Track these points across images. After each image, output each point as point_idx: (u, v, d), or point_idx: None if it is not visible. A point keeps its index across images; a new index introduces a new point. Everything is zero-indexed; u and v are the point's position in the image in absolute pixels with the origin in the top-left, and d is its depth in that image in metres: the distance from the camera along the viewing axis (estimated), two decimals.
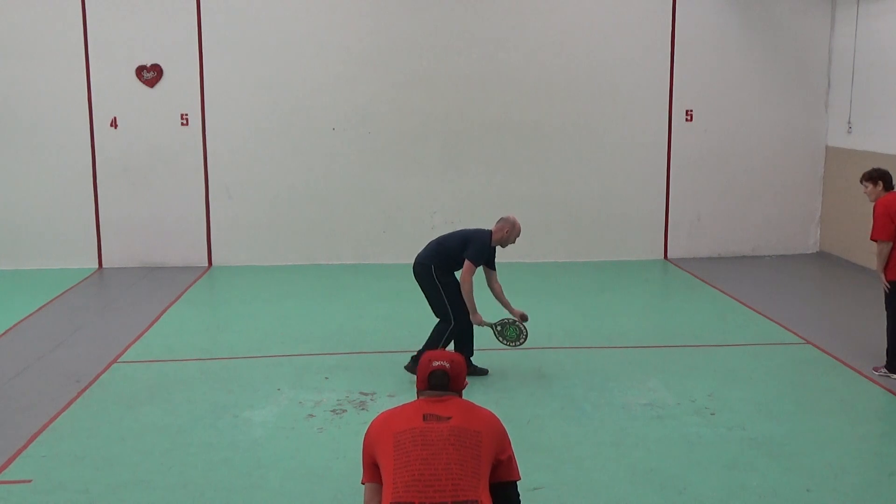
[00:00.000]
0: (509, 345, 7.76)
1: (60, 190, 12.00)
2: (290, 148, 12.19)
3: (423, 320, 9.43)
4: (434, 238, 7.92)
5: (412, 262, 7.76)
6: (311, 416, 6.74)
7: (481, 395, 7.17)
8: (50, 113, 11.85)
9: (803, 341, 8.47)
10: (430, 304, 7.64)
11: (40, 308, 10.06)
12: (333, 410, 6.86)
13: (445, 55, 12.15)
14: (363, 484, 3.72)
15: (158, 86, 11.97)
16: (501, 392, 7.26)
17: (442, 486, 3.35)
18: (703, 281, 11.25)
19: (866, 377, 7.53)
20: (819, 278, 11.60)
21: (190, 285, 11.18)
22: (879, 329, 8.80)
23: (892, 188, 7.43)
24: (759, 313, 9.53)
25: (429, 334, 7.68)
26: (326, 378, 7.62)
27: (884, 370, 7.51)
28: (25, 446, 6.22)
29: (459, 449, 3.43)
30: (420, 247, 8.08)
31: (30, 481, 5.68)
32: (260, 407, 6.94)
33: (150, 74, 11.90)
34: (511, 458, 3.66)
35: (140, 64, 11.88)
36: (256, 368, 7.93)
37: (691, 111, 12.56)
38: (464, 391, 3.94)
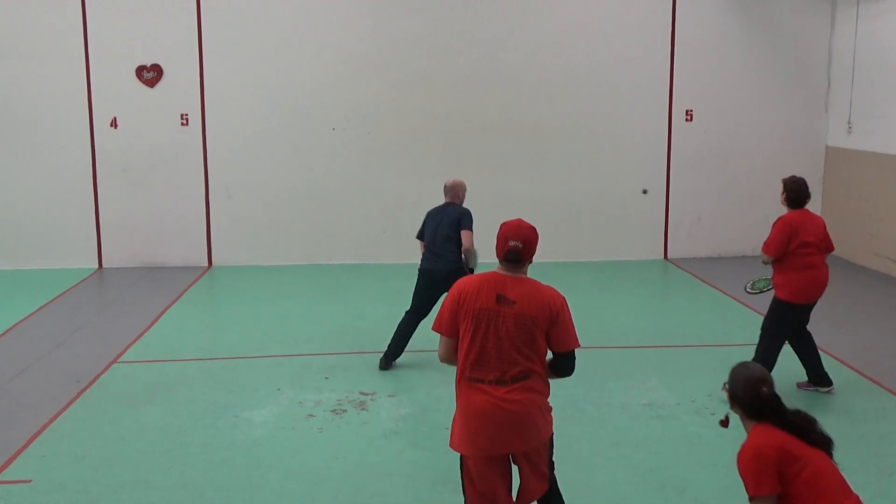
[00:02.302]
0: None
1: (60, 190, 12.00)
2: (290, 148, 12.18)
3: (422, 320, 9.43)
4: (434, 241, 7.79)
5: (410, 262, 7.76)
6: (311, 416, 6.74)
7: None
8: (50, 113, 11.85)
9: None
10: None
11: (40, 308, 10.05)
12: (333, 410, 6.86)
13: (445, 55, 12.15)
14: (436, 331, 4.32)
15: (158, 86, 11.97)
16: None
17: (512, 360, 4.11)
18: (703, 281, 11.24)
19: (866, 377, 7.53)
20: None
21: (190, 285, 11.18)
22: (879, 329, 8.81)
23: (800, 206, 6.98)
24: (759, 313, 9.52)
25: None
26: (326, 378, 7.62)
27: (809, 385, 7.20)
28: (25, 446, 6.22)
29: (519, 333, 4.11)
30: (419, 246, 8.07)
31: (30, 481, 5.69)
32: (260, 407, 6.94)
33: (150, 74, 11.90)
34: (570, 331, 4.27)
35: (140, 64, 11.87)
36: (256, 368, 7.93)
37: (691, 111, 12.56)
38: None
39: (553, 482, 4.47)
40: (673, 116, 12.55)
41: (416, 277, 7.90)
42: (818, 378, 7.12)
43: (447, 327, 4.25)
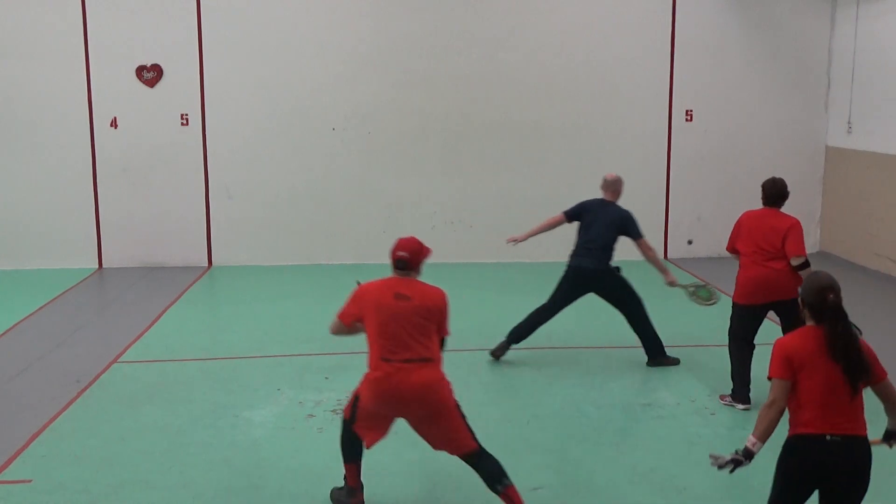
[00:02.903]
0: (703, 304, 7.81)
1: (60, 190, 11.99)
2: (290, 148, 12.18)
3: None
4: (590, 238, 7.93)
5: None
6: (311, 416, 6.74)
7: (482, 394, 7.18)
8: (50, 113, 11.84)
9: None
10: (615, 302, 7.85)
11: (40, 308, 10.05)
12: (333, 410, 6.85)
13: (445, 55, 12.15)
14: (339, 318, 5.22)
15: (158, 86, 11.97)
16: (502, 392, 7.25)
17: (409, 348, 4.97)
18: (703, 281, 11.22)
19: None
20: None
21: (190, 285, 11.18)
22: (879, 330, 8.80)
23: (773, 205, 6.91)
24: None
25: (633, 327, 7.94)
26: (326, 378, 7.61)
27: (728, 399, 6.95)
28: (25, 446, 6.23)
29: (419, 321, 4.99)
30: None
31: (30, 481, 5.69)
32: (260, 407, 6.94)
33: (150, 74, 11.90)
34: (446, 321, 5.15)
35: (140, 64, 11.88)
36: (256, 368, 7.93)
37: (691, 111, 12.56)
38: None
39: (479, 445, 5.13)
40: (673, 116, 12.55)
41: (565, 271, 7.92)
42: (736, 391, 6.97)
43: (346, 318, 5.21)
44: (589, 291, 7.84)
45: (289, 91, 12.07)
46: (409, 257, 5.15)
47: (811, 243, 12.94)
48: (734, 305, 6.88)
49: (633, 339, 8.79)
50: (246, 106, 12.07)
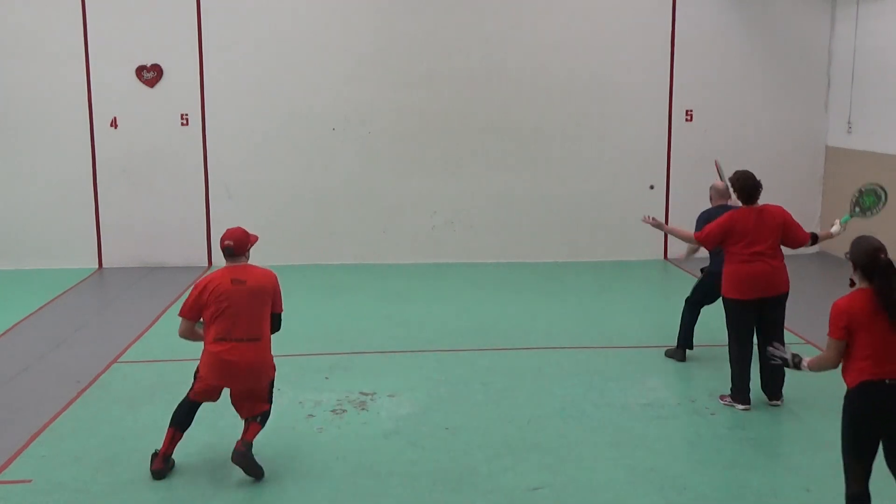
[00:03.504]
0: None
1: (60, 190, 11.99)
2: (290, 148, 12.18)
3: (422, 320, 9.44)
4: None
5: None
6: (310, 416, 6.74)
7: (481, 394, 7.18)
8: (50, 113, 11.85)
9: (803, 341, 8.47)
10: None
11: (40, 308, 10.05)
12: (333, 410, 6.85)
13: (445, 55, 12.15)
14: (182, 317, 5.70)
15: (158, 86, 11.97)
16: (501, 392, 7.25)
17: (244, 328, 5.59)
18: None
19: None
20: (819, 278, 11.58)
21: (190, 285, 11.17)
22: None
23: (752, 202, 6.81)
24: None
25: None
26: (326, 378, 7.61)
27: (728, 399, 6.95)
28: (25, 446, 6.22)
29: (253, 303, 5.61)
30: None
31: (30, 481, 5.69)
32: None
33: (150, 74, 11.90)
34: (279, 300, 5.81)
35: (140, 64, 11.88)
36: None
37: (691, 111, 12.56)
38: None
39: (268, 411, 5.84)
40: (673, 116, 12.54)
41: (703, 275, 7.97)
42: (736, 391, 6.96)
43: (192, 314, 5.68)
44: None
45: (289, 91, 12.07)
46: (233, 245, 5.70)
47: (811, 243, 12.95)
48: (732, 302, 6.82)
49: (634, 339, 8.80)
50: (246, 106, 12.07)
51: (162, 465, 5.70)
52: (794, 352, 4.89)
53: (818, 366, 4.73)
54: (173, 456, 5.81)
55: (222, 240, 5.75)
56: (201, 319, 5.72)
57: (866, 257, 4.56)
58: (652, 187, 12.55)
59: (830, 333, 4.60)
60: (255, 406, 5.78)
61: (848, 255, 4.72)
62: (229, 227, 6.03)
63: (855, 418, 4.56)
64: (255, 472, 5.65)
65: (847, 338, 4.54)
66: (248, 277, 5.67)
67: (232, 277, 5.63)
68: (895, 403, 4.48)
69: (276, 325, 5.84)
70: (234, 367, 5.60)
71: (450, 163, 12.33)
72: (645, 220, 7.52)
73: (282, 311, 5.84)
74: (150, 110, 11.96)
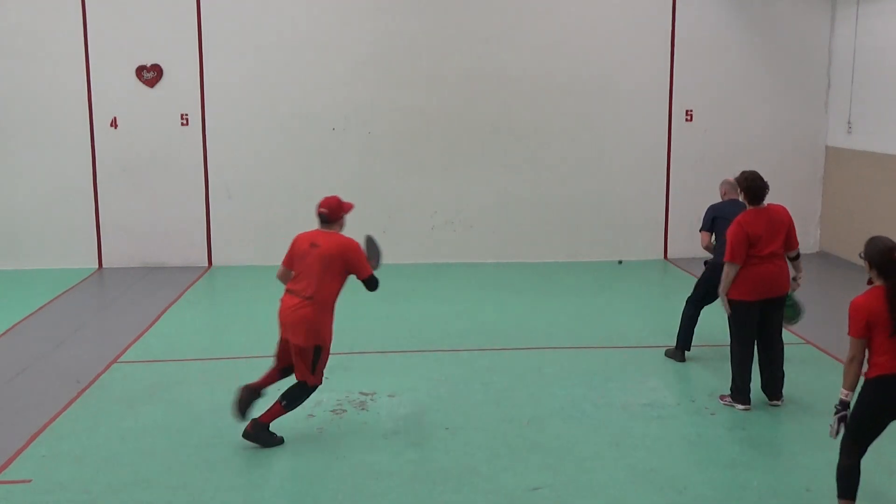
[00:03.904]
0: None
1: (60, 190, 11.99)
2: (290, 148, 12.18)
3: (422, 320, 9.45)
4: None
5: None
6: (311, 416, 6.74)
7: (481, 394, 7.18)
8: (50, 113, 11.84)
9: (803, 341, 8.47)
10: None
11: (40, 308, 10.05)
12: (333, 410, 6.86)
13: (445, 55, 12.15)
14: (284, 266, 6.30)
15: (158, 86, 11.97)
16: (501, 392, 7.25)
17: (304, 286, 6.08)
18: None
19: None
20: (819, 278, 11.59)
21: (190, 285, 11.18)
22: None
23: (759, 203, 6.77)
24: None
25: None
26: (327, 378, 7.60)
27: (728, 399, 6.94)
28: (25, 446, 6.22)
29: (319, 266, 6.06)
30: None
31: (30, 481, 5.69)
32: (260, 407, 6.93)
33: (150, 74, 11.90)
34: (361, 266, 6.16)
35: (140, 64, 11.88)
36: (256, 368, 7.89)
37: (691, 111, 12.56)
38: None
39: (313, 385, 6.17)
40: (673, 116, 12.54)
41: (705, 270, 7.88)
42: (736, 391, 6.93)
43: (286, 262, 6.29)
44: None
45: (289, 91, 12.07)
46: (327, 213, 6.18)
47: (811, 243, 12.96)
48: (738, 304, 6.79)
49: (634, 339, 8.81)
50: (246, 106, 12.07)
51: (246, 396, 6.17)
52: (836, 409, 4.85)
53: (851, 379, 4.77)
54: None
55: (318, 206, 6.23)
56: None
57: (880, 256, 4.74)
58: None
59: (852, 333, 4.74)
60: (301, 370, 6.10)
61: (862, 255, 4.86)
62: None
63: (867, 408, 4.78)
64: (267, 443, 6.12)
65: (867, 335, 4.70)
66: (323, 243, 6.08)
67: (311, 241, 6.13)
68: None
69: (370, 286, 6.23)
70: (288, 319, 6.07)
71: (450, 163, 12.33)
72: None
73: (367, 275, 6.16)
74: (150, 110, 11.96)
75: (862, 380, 4.82)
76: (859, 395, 4.81)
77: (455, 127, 12.29)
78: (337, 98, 12.12)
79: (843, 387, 4.79)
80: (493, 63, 12.20)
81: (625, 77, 12.37)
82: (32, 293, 10.63)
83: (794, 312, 7.20)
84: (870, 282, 4.86)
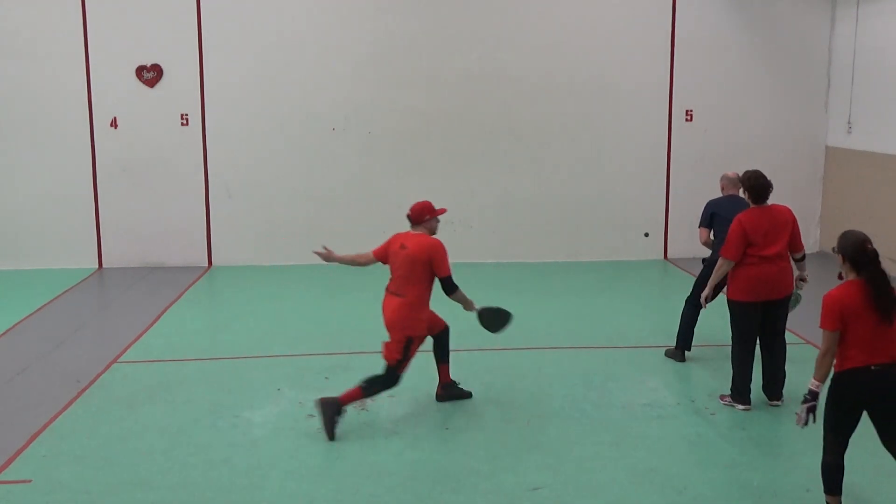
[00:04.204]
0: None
1: (60, 190, 11.99)
2: (290, 148, 12.18)
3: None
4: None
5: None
6: (311, 416, 6.74)
7: (481, 394, 7.18)
8: (50, 113, 11.85)
9: (803, 341, 8.47)
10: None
11: (40, 308, 10.05)
12: None
13: (445, 55, 12.15)
14: (374, 254, 6.86)
15: (158, 86, 11.97)
16: (502, 392, 7.26)
17: (396, 284, 6.62)
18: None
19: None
20: (819, 278, 11.55)
21: (190, 285, 11.18)
22: None
23: (762, 202, 6.75)
24: None
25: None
26: (326, 378, 7.61)
27: (728, 399, 6.94)
28: (25, 446, 6.23)
29: (407, 267, 6.55)
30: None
31: (30, 481, 5.69)
32: (260, 407, 6.94)
33: (150, 74, 11.90)
34: (440, 265, 6.54)
35: (140, 64, 11.88)
36: (256, 368, 7.93)
37: (691, 111, 12.56)
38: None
39: (392, 371, 6.57)
40: (673, 116, 12.55)
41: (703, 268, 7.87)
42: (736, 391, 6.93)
43: (377, 254, 6.85)
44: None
45: (289, 91, 12.07)
46: (411, 215, 6.71)
47: (811, 243, 12.96)
48: (739, 305, 6.79)
49: (634, 339, 8.80)
50: (246, 106, 12.07)
51: (441, 392, 7.05)
52: (805, 399, 4.90)
53: (824, 371, 4.84)
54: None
55: (410, 208, 6.78)
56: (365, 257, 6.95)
57: (854, 249, 4.79)
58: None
59: (825, 325, 4.79)
60: (388, 351, 6.58)
61: (836, 249, 4.91)
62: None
63: (839, 400, 4.85)
64: (460, 397, 7.04)
65: (841, 328, 4.74)
66: (410, 245, 6.56)
67: (402, 242, 6.63)
68: (879, 387, 4.77)
69: (444, 288, 6.62)
70: (386, 317, 6.63)
71: (450, 163, 12.33)
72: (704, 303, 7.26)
73: (446, 275, 6.55)
74: (150, 110, 11.96)
75: (832, 373, 4.88)
76: (833, 390, 4.86)
77: (455, 127, 12.29)
78: (337, 98, 12.12)
79: (815, 378, 4.86)
80: (493, 63, 12.20)
81: (625, 77, 12.37)
82: (32, 293, 10.63)
83: (795, 302, 7.14)
84: (840, 276, 4.91)
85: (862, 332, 4.72)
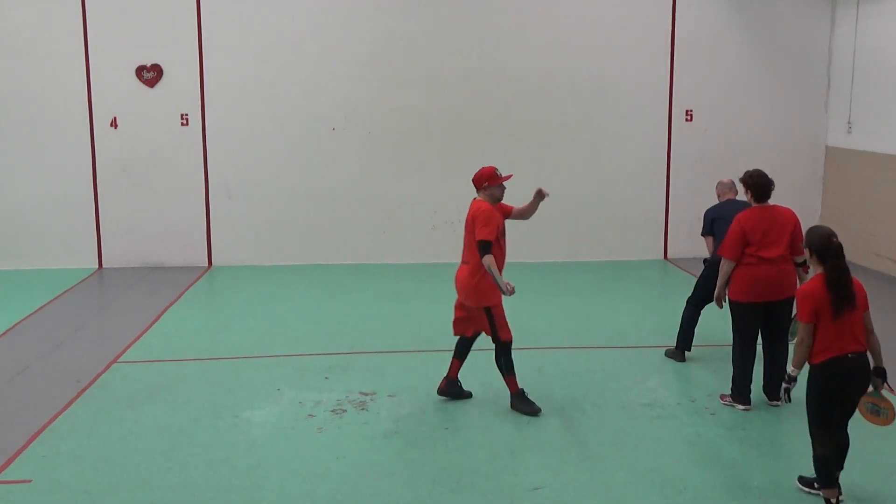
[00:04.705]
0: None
1: (60, 190, 11.99)
2: (290, 148, 12.18)
3: (422, 320, 9.44)
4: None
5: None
6: (311, 416, 6.74)
7: (482, 394, 7.19)
8: (50, 113, 11.84)
9: None
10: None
11: (40, 308, 10.05)
12: (333, 410, 6.86)
13: (445, 55, 12.15)
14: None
15: (158, 86, 11.97)
16: (501, 392, 7.25)
17: (464, 252, 6.76)
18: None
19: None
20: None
21: (190, 285, 11.18)
22: (879, 330, 8.79)
23: (764, 200, 6.75)
24: None
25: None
26: (326, 378, 7.62)
27: (729, 399, 6.94)
28: (25, 446, 6.23)
29: (467, 234, 6.72)
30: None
31: (30, 481, 5.69)
32: (260, 407, 6.94)
33: (150, 74, 11.90)
34: (478, 228, 6.59)
35: (140, 64, 11.88)
36: (256, 368, 7.93)
37: (691, 111, 12.56)
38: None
39: (499, 341, 6.76)
40: (673, 116, 12.55)
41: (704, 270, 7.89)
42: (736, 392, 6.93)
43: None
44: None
45: (289, 91, 12.07)
46: (474, 180, 6.91)
47: None
48: (739, 305, 6.78)
49: (634, 339, 8.81)
50: (246, 106, 12.07)
51: (444, 387, 7.05)
52: (786, 378, 5.28)
53: (800, 359, 5.15)
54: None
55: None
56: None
57: (820, 241, 5.07)
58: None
59: (801, 318, 5.09)
60: (487, 330, 6.78)
61: (804, 244, 5.20)
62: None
63: (823, 391, 5.08)
64: (460, 396, 7.08)
65: (816, 320, 5.04)
66: (469, 210, 6.77)
67: (470, 210, 6.77)
68: (856, 373, 5.07)
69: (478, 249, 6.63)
70: (456, 284, 6.85)
71: (450, 163, 12.32)
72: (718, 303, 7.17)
73: (479, 238, 6.55)
74: (150, 110, 11.96)
75: (817, 367, 5.12)
76: (813, 382, 5.10)
77: (455, 127, 12.29)
78: (337, 98, 12.12)
79: (793, 364, 5.17)
80: (493, 63, 12.20)
81: (625, 77, 12.37)
82: (32, 293, 10.63)
83: (793, 334, 7.11)
84: (805, 269, 5.17)
85: (831, 323, 5.01)
